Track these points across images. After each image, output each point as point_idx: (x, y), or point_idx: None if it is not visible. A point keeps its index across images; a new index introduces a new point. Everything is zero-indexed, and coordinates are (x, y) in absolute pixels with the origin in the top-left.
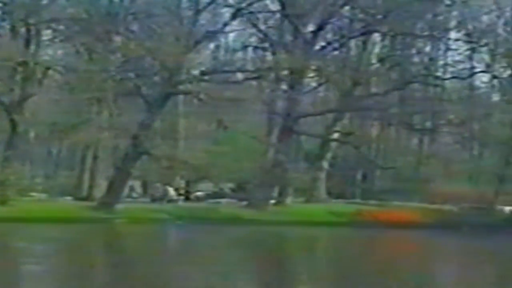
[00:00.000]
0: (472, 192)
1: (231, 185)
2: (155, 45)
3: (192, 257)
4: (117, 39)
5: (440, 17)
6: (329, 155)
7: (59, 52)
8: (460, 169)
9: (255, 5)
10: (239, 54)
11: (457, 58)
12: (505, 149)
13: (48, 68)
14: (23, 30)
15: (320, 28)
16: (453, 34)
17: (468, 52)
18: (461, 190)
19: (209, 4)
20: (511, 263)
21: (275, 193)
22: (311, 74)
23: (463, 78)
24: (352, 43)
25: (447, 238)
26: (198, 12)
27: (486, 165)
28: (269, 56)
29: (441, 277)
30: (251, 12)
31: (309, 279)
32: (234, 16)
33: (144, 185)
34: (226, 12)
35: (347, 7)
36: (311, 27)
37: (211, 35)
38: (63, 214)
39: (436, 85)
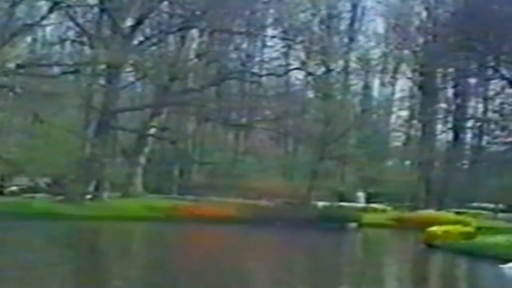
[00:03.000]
0: (287, 188)
1: (47, 179)
2: None
3: None
4: None
5: (258, 14)
6: (146, 150)
7: None
8: (275, 164)
9: None
10: (57, 48)
11: (274, 55)
12: (318, 145)
13: None
14: None
15: (138, 22)
16: (270, 31)
17: (284, 49)
18: (276, 186)
19: None
20: (316, 256)
21: (92, 188)
22: (129, 69)
23: (279, 75)
24: (171, 38)
25: (260, 232)
26: (14, 4)
27: (300, 161)
28: (87, 50)
29: (231, 269)
30: (69, 6)
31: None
32: (51, 9)
33: None
34: (44, 5)
35: (166, 2)
36: (129, 22)
37: (27, 28)
38: None
39: (252, 81)
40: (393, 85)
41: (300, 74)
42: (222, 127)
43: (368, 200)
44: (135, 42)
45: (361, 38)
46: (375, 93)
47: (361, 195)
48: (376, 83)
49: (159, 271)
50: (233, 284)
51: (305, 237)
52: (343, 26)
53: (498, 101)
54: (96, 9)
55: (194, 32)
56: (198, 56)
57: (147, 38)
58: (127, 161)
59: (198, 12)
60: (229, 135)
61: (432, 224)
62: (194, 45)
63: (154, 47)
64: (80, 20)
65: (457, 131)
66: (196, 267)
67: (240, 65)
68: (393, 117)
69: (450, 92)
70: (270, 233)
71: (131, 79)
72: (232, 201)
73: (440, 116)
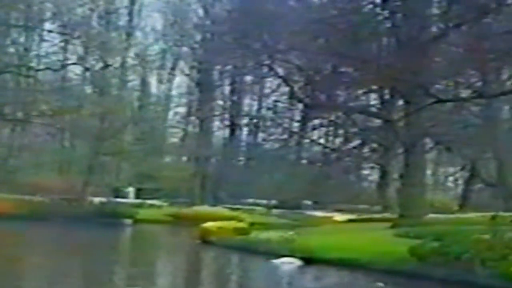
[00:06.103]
0: (63, 183)
1: None
2: None
3: None
4: None
5: (35, 8)
6: None
7: None
8: (51, 160)
9: None
10: None
11: (51, 49)
12: (95, 141)
13: None
14: None
15: None
16: (47, 25)
17: (62, 44)
18: (51, 181)
19: None
20: (82, 253)
21: None
22: None
23: (56, 70)
24: None
25: (30, 229)
26: None
27: (76, 156)
28: None
29: None
30: None
31: None
32: None
33: None
34: None
35: None
36: None
37: None
38: None
39: (28, 76)
40: (170, 81)
41: (78, 69)
42: None
43: (139, 196)
44: None
45: (139, 34)
46: (153, 89)
47: (130, 190)
48: (154, 79)
49: None
50: None
51: (77, 234)
52: (122, 21)
53: (273, 98)
54: None
55: None
56: None
57: None
58: None
59: None
60: (4, 130)
61: (207, 220)
62: None
63: None
64: None
65: (233, 127)
66: None
67: (16, 59)
68: (171, 113)
69: (227, 89)
70: (41, 230)
71: None
72: (6, 196)
73: (217, 112)
